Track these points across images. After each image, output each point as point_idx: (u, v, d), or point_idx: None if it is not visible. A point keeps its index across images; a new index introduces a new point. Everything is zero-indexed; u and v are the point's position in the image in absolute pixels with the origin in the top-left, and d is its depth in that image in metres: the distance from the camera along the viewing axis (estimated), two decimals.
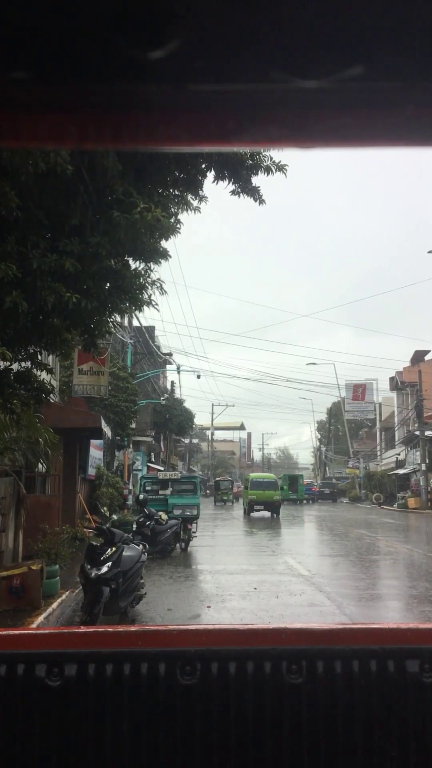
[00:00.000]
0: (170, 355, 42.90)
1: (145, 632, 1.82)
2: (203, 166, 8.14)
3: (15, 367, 8.87)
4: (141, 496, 17.12)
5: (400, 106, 0.58)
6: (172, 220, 8.53)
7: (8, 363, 8.57)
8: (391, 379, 57.89)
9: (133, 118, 0.60)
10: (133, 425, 29.47)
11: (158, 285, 8.96)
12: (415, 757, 1.67)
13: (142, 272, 8.55)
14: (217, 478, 58.71)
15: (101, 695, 1.67)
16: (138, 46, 0.52)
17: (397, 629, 1.82)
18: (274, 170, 8.07)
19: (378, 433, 65.73)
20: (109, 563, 7.98)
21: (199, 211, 8.84)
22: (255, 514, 35.05)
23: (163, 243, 8.49)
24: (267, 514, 35.08)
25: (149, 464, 38.65)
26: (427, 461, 42.14)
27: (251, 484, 37.13)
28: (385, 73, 0.55)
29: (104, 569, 7.90)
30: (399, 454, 52.54)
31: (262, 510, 35.09)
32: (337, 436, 79.93)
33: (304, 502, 52.70)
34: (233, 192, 8.23)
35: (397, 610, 10.32)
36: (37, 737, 1.64)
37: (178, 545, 16.80)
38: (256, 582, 12.12)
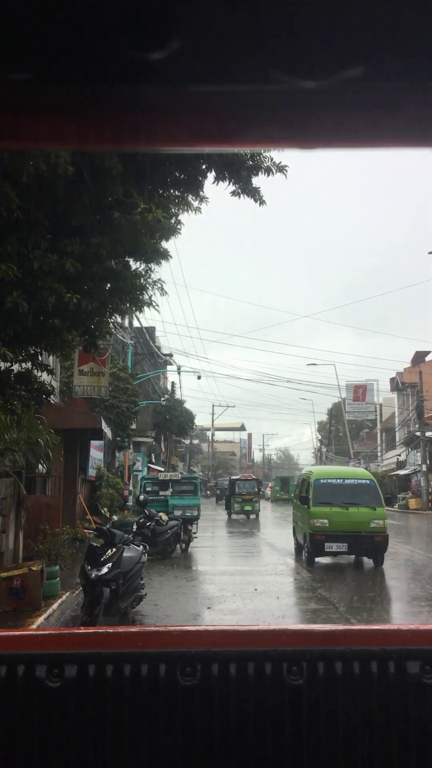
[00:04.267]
0: (170, 355, 42.90)
1: (145, 633, 1.82)
2: (204, 166, 8.15)
3: (15, 367, 8.87)
4: (141, 497, 17.13)
5: (401, 106, 0.58)
6: (173, 221, 8.54)
7: (9, 364, 8.57)
8: (392, 379, 57.92)
9: (134, 119, 0.60)
10: (134, 426, 29.47)
11: (158, 286, 8.98)
12: (415, 758, 1.67)
13: (143, 273, 8.57)
14: (234, 477, 37.87)
15: (101, 696, 1.67)
16: (139, 47, 0.52)
17: (398, 630, 1.82)
18: (274, 171, 8.08)
19: (378, 434, 65.73)
20: (110, 564, 7.98)
21: (200, 212, 8.86)
22: (326, 560, 15.29)
23: (164, 243, 8.50)
24: (346, 558, 15.36)
25: (149, 465, 38.63)
26: (428, 462, 42.13)
27: (317, 489, 15.18)
28: (386, 74, 0.55)
29: (104, 570, 7.90)
30: (400, 455, 52.54)
31: (343, 550, 14.47)
32: (337, 437, 79.93)
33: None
34: (234, 193, 8.24)
35: (398, 611, 10.31)
36: (37, 738, 1.64)
37: (178, 546, 16.80)
38: (256, 583, 12.12)
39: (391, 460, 56.01)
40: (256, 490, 34.56)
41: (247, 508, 33.18)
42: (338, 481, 15.62)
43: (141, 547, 9.09)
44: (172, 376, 50.24)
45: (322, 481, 15.54)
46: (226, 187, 8.21)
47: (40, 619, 8.47)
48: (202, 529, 20.12)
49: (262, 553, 18.48)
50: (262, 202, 8.43)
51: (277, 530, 25.94)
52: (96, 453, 23.06)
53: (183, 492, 18.93)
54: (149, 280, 8.67)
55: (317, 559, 14.90)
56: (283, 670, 1.69)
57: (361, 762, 1.66)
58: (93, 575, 7.85)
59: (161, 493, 18.83)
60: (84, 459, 20.65)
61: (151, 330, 38.97)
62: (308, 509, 14.96)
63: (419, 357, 53.71)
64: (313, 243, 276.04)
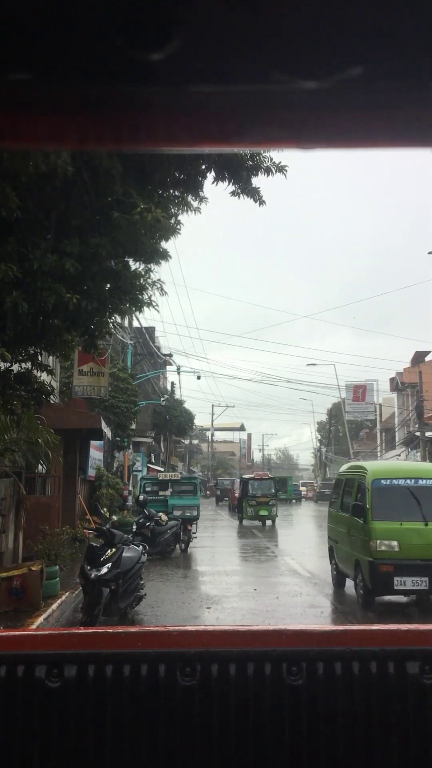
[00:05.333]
0: (170, 355, 42.90)
1: (144, 633, 1.82)
2: (203, 167, 8.15)
3: (15, 368, 8.88)
4: (141, 497, 17.14)
5: (401, 106, 0.57)
6: (172, 221, 8.54)
7: (8, 364, 8.58)
8: (392, 379, 57.91)
9: (134, 120, 0.60)
10: (133, 426, 29.45)
11: (158, 286, 8.99)
12: (415, 758, 1.67)
13: (142, 273, 8.58)
14: (246, 476, 32.29)
15: (101, 697, 1.67)
16: (139, 48, 0.52)
17: (397, 631, 1.82)
18: (274, 171, 8.08)
19: (378, 434, 65.76)
20: (109, 564, 7.98)
21: (199, 212, 8.86)
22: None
23: (163, 243, 8.51)
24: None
25: (149, 465, 38.62)
26: (428, 462, 42.13)
27: (377, 495, 10.18)
28: (386, 74, 0.55)
29: (104, 570, 7.90)
30: (399, 455, 52.54)
31: (422, 587, 9.63)
32: (337, 437, 79.90)
33: (293, 501, 55.12)
34: (233, 193, 8.24)
35: (397, 612, 10.30)
36: (37, 738, 1.64)
37: (177, 546, 16.80)
38: (255, 583, 12.11)
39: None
40: (273, 491, 28.24)
41: (263, 512, 27.09)
42: (407, 482, 10.35)
43: (140, 547, 9.10)
44: (171, 376, 50.24)
45: (383, 482, 10.33)
46: (225, 188, 8.21)
47: (40, 619, 8.46)
48: (201, 529, 20.13)
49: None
50: (261, 202, 8.43)
51: (283, 531, 25.78)
52: (96, 453, 23.05)
53: (182, 492, 18.94)
54: (149, 281, 8.68)
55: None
56: (282, 670, 1.69)
57: (360, 762, 1.66)
58: (93, 575, 7.85)
59: (161, 493, 18.83)
60: (84, 459, 20.64)
61: (150, 330, 38.96)
62: (365, 525, 9.95)
63: (419, 357, 53.70)
64: (313, 243, 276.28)
